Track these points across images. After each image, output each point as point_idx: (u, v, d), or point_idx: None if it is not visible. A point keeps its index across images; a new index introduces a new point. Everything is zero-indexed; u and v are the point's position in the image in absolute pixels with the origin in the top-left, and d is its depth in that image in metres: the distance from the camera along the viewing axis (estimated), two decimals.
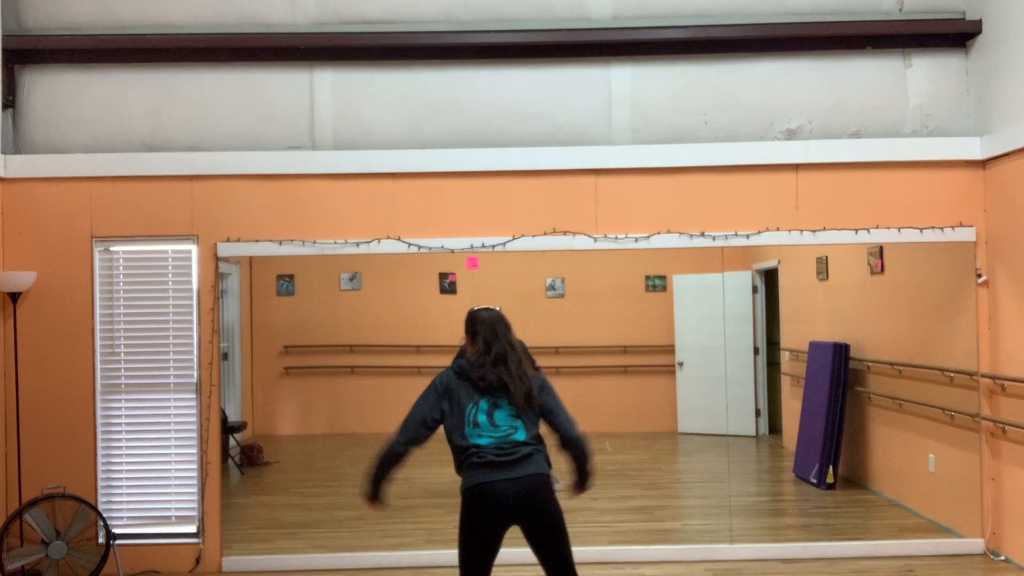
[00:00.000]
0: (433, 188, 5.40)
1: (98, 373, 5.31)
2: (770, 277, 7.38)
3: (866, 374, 6.46)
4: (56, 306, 5.27)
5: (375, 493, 3.49)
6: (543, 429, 3.50)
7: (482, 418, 3.37)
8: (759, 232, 5.40)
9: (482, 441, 3.33)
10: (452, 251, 5.35)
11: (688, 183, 5.42)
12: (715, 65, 5.52)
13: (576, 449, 3.47)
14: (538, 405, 3.42)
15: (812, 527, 5.96)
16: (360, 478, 3.54)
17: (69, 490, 5.16)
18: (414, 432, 3.42)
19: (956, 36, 5.48)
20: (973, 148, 5.36)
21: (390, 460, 3.45)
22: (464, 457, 3.35)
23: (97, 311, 5.31)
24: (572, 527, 5.33)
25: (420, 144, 5.46)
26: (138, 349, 5.34)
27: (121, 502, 5.33)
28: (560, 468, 3.54)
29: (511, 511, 3.28)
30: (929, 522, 5.77)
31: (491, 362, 3.40)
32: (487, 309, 3.58)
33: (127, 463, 5.34)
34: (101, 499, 5.29)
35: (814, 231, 5.39)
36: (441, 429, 3.46)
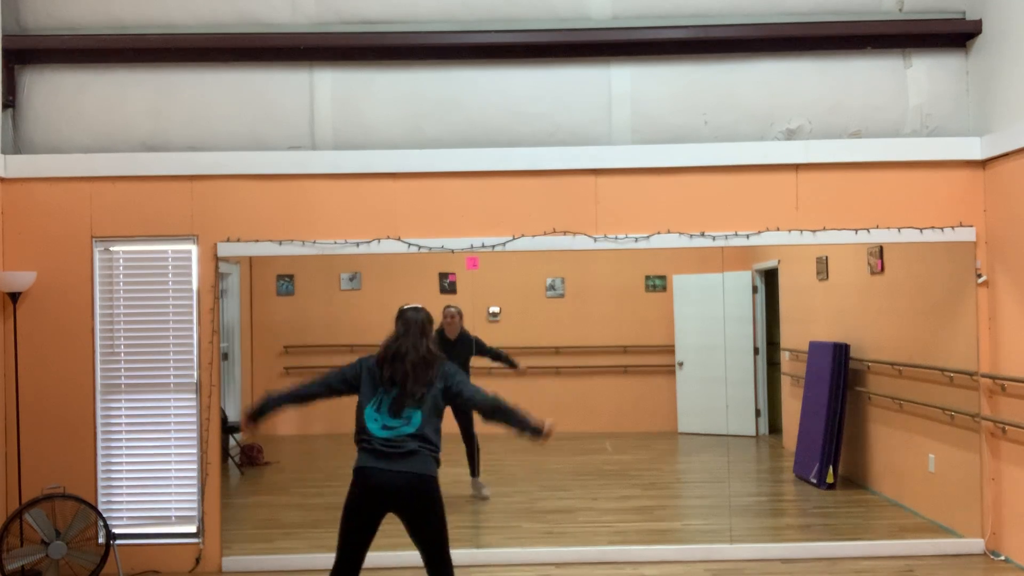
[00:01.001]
0: (433, 188, 5.40)
1: (98, 373, 5.31)
2: (770, 277, 7.38)
3: (866, 374, 6.46)
4: (56, 306, 5.27)
5: (259, 416, 3.75)
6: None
7: (383, 408, 3.60)
8: (759, 232, 5.40)
9: (372, 429, 3.57)
10: (452, 251, 5.35)
11: (688, 183, 5.42)
12: (715, 65, 5.52)
13: (499, 414, 3.67)
14: (432, 403, 3.61)
15: (812, 527, 5.95)
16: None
17: (69, 490, 5.16)
18: (317, 386, 3.75)
19: (956, 36, 5.48)
20: (973, 148, 5.36)
21: (293, 398, 3.75)
22: (358, 438, 3.62)
23: (97, 311, 5.31)
24: (572, 527, 5.36)
25: (420, 144, 5.46)
26: (138, 349, 5.34)
27: (121, 502, 5.33)
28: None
29: (388, 500, 3.52)
30: (929, 522, 5.77)
31: (391, 357, 3.64)
32: (414, 309, 3.81)
33: (127, 463, 5.34)
34: (101, 499, 5.29)
35: (814, 231, 5.39)
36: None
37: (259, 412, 3.76)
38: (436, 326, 4.05)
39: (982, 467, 5.34)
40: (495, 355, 5.94)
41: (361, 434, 3.61)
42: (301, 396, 3.78)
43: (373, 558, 5.27)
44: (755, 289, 7.30)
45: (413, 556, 5.27)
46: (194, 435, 5.31)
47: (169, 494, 5.34)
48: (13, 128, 5.43)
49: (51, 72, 5.44)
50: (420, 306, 3.83)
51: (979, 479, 5.34)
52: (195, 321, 5.30)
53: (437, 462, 3.65)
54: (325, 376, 3.76)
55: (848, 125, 5.52)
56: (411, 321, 3.74)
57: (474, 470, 5.95)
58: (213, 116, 5.45)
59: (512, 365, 5.97)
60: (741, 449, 7.37)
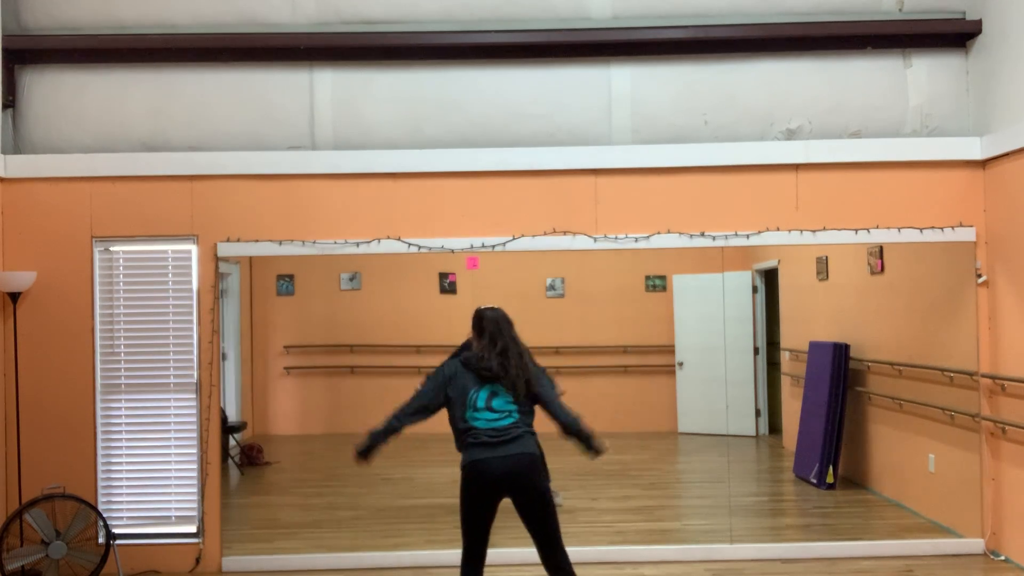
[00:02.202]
0: (433, 188, 5.40)
1: (98, 373, 5.31)
2: (770, 277, 7.38)
3: (866, 374, 6.47)
4: (56, 306, 5.27)
5: (368, 453, 3.90)
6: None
7: (481, 403, 3.79)
8: (759, 232, 5.40)
9: (479, 424, 3.76)
10: (452, 251, 5.35)
11: (688, 183, 5.42)
12: (715, 65, 5.52)
13: (576, 432, 3.89)
14: (533, 394, 3.84)
15: (812, 527, 5.96)
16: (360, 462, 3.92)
17: (69, 490, 5.16)
18: (414, 413, 3.87)
19: (956, 36, 5.48)
20: (973, 148, 5.36)
21: (389, 432, 3.87)
22: (463, 437, 3.80)
23: (97, 311, 5.31)
24: (572, 527, 5.35)
25: (420, 144, 5.46)
26: (138, 349, 5.34)
27: (121, 502, 5.33)
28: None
29: (502, 484, 3.72)
30: (929, 522, 5.77)
31: (496, 354, 3.82)
32: (492, 308, 4.01)
33: (127, 463, 5.34)
34: (101, 499, 5.29)
35: (814, 231, 5.39)
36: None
37: (368, 450, 3.90)
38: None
39: (982, 467, 5.34)
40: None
41: (465, 434, 3.78)
42: (400, 426, 3.89)
43: (378, 558, 5.30)
44: (755, 289, 7.31)
45: (423, 556, 5.29)
46: (194, 435, 5.31)
47: (169, 494, 5.34)
48: (13, 128, 5.43)
49: (51, 72, 5.44)
50: (496, 306, 4.03)
51: (979, 479, 5.34)
52: (195, 321, 5.30)
53: (539, 445, 3.86)
54: (405, 411, 3.88)
55: (848, 125, 5.52)
56: (499, 320, 3.93)
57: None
58: (213, 116, 5.45)
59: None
60: (741, 449, 7.37)
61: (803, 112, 5.51)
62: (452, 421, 3.86)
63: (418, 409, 3.86)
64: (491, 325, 3.90)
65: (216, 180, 5.35)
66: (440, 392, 3.86)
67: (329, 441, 7.38)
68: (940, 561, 5.21)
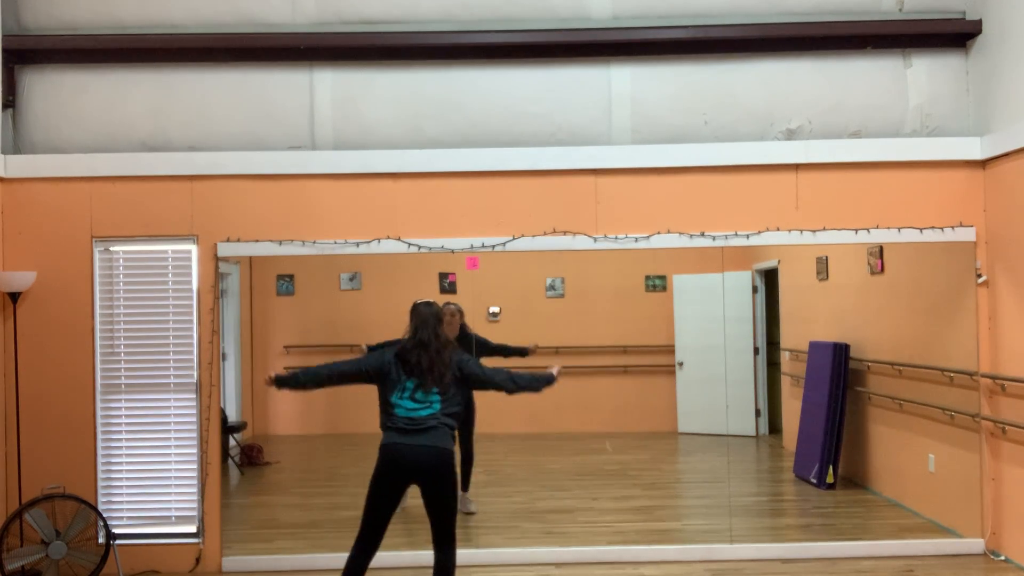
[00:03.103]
0: (433, 188, 5.40)
1: (98, 373, 5.31)
2: (770, 277, 7.38)
3: (866, 374, 6.46)
4: (56, 306, 5.27)
5: (282, 384, 4.21)
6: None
7: (406, 393, 4.04)
8: (759, 232, 5.40)
9: (399, 412, 4.02)
10: (452, 251, 5.35)
11: (688, 183, 5.42)
12: (715, 65, 5.52)
13: (518, 385, 4.18)
14: (461, 384, 4.09)
15: (812, 527, 5.95)
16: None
17: (69, 490, 5.16)
18: (351, 370, 4.17)
19: (956, 36, 5.48)
20: (973, 148, 5.36)
21: (321, 378, 4.21)
22: (384, 421, 4.07)
23: (97, 311, 5.31)
24: (572, 527, 5.38)
25: (420, 144, 5.46)
26: (138, 349, 5.34)
27: (121, 502, 5.33)
28: None
29: (410, 470, 3.97)
30: (929, 522, 5.77)
31: (414, 347, 4.07)
32: (427, 303, 4.23)
33: (127, 463, 5.34)
34: (101, 499, 5.29)
35: (814, 231, 5.39)
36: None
37: (284, 381, 4.21)
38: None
39: (982, 467, 5.34)
40: (503, 351, 5.85)
41: (386, 418, 4.05)
42: (325, 377, 4.20)
43: (378, 558, 5.28)
44: (755, 289, 7.30)
45: (412, 557, 5.29)
46: (194, 435, 5.31)
47: (169, 494, 5.34)
48: (13, 128, 5.43)
49: (51, 72, 5.44)
50: (431, 300, 4.24)
51: (979, 479, 5.34)
52: (195, 321, 5.30)
53: (453, 439, 4.07)
54: (342, 364, 4.18)
55: (848, 125, 5.52)
56: (426, 314, 4.15)
57: (465, 484, 5.91)
58: (213, 116, 5.45)
59: (523, 353, 5.88)
60: (741, 449, 7.37)
61: (803, 112, 5.51)
62: (380, 404, 4.12)
63: (357, 370, 4.14)
64: (417, 319, 4.15)
65: (216, 180, 5.35)
66: (366, 373, 4.12)
67: (329, 441, 7.38)
68: (940, 561, 5.21)
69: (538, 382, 4.23)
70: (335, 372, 4.18)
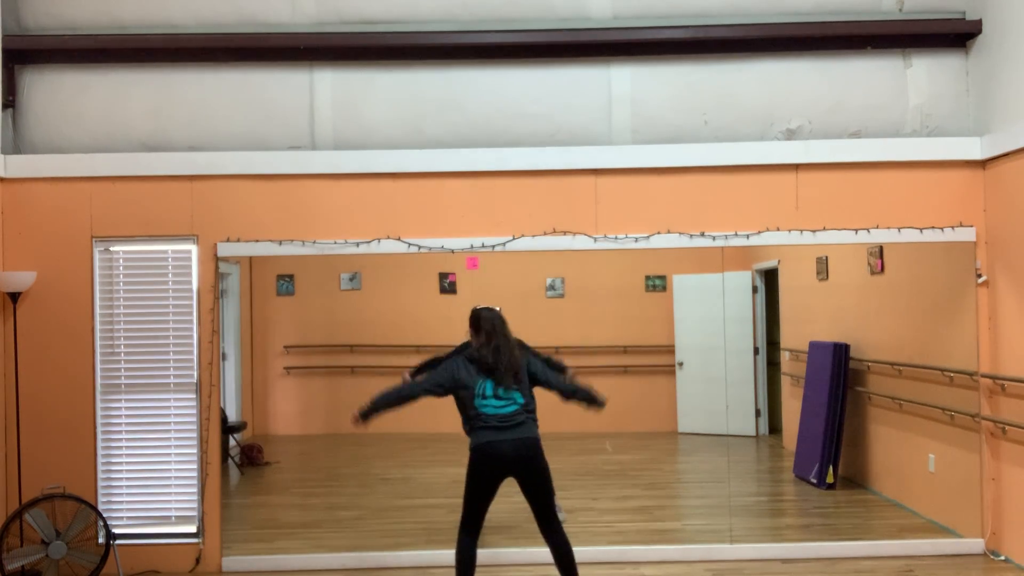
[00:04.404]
0: (433, 188, 5.40)
1: (98, 373, 5.31)
2: (770, 277, 7.38)
3: (866, 374, 6.47)
4: (56, 306, 5.27)
5: (370, 416, 4.28)
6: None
7: (489, 393, 4.25)
8: (759, 232, 5.40)
9: (488, 411, 4.22)
10: (452, 251, 5.35)
11: (688, 183, 5.42)
12: (715, 65, 5.52)
13: (576, 394, 4.48)
14: (528, 380, 4.33)
15: (812, 527, 5.96)
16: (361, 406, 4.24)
17: (69, 490, 5.16)
18: (430, 388, 4.32)
19: (956, 36, 5.48)
20: (973, 148, 5.36)
21: (404, 398, 4.31)
22: (474, 422, 4.25)
23: (97, 311, 5.31)
24: (572, 527, 5.37)
25: (420, 144, 5.46)
26: (138, 349, 5.34)
27: (121, 502, 5.33)
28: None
29: (508, 464, 4.19)
30: (929, 522, 5.77)
31: (492, 350, 4.27)
32: (488, 309, 4.42)
33: (127, 463, 5.34)
34: (101, 499, 5.29)
35: (814, 231, 5.39)
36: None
37: (370, 412, 4.28)
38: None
39: (982, 467, 5.34)
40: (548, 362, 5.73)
41: (476, 419, 4.24)
42: (403, 398, 4.33)
43: (378, 558, 5.30)
44: (755, 289, 7.31)
45: (423, 556, 5.29)
46: (194, 435, 5.31)
47: (169, 494, 5.34)
48: (13, 128, 5.43)
49: (51, 72, 5.44)
50: (490, 306, 4.46)
51: (979, 479, 5.34)
52: (195, 321, 5.30)
53: (538, 428, 4.34)
54: (420, 383, 4.37)
55: (848, 125, 5.52)
56: (492, 319, 4.37)
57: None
58: (213, 116, 5.45)
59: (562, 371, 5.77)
60: (741, 449, 7.37)
61: (803, 112, 5.51)
62: (462, 408, 4.31)
63: (434, 386, 4.31)
64: (487, 324, 4.34)
65: (216, 180, 5.35)
66: (451, 380, 4.29)
67: (329, 441, 7.39)
68: (940, 561, 5.21)
69: (589, 396, 4.48)
70: (411, 394, 4.35)
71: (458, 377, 4.28)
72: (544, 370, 4.44)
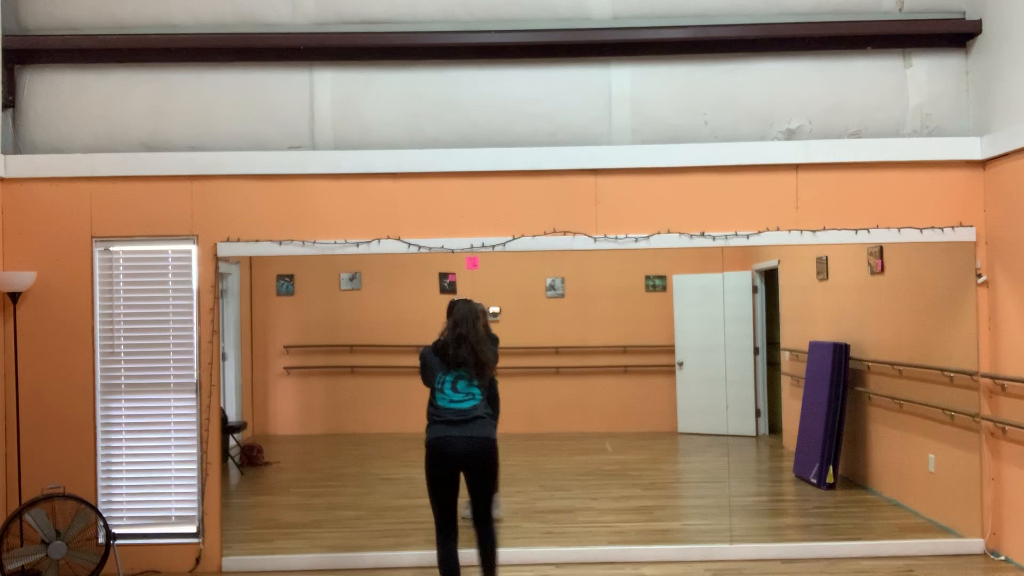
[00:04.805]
0: (433, 188, 5.40)
1: (98, 373, 5.31)
2: (770, 277, 7.38)
3: (866, 374, 6.46)
4: (56, 306, 5.27)
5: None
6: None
7: (448, 386, 4.24)
8: (759, 232, 5.41)
9: (443, 403, 4.21)
10: (452, 251, 5.35)
11: (688, 183, 5.42)
12: (715, 65, 5.52)
13: (493, 412, 4.49)
14: (488, 379, 4.30)
15: (812, 527, 5.96)
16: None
17: (69, 490, 5.16)
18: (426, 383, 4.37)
19: (956, 36, 5.48)
20: (973, 148, 5.36)
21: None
22: (429, 416, 4.25)
23: (97, 311, 5.31)
24: (572, 527, 5.39)
25: (420, 144, 5.46)
26: (138, 349, 5.34)
27: (121, 502, 5.33)
28: None
29: (459, 460, 4.15)
30: (929, 522, 5.77)
31: (454, 338, 4.25)
32: (465, 301, 4.42)
33: (127, 463, 5.34)
34: (101, 499, 5.29)
35: (814, 231, 5.40)
36: None
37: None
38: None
39: (982, 467, 5.34)
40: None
41: (431, 412, 4.25)
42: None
43: (378, 558, 5.30)
44: (755, 289, 7.31)
45: (423, 556, 5.29)
46: (194, 435, 5.31)
47: (169, 494, 5.34)
48: (13, 128, 5.43)
49: (51, 72, 5.44)
50: (469, 299, 4.45)
51: (979, 479, 5.34)
52: (195, 321, 5.30)
53: (496, 428, 4.31)
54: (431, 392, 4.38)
55: (848, 125, 5.52)
56: (465, 310, 4.34)
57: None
58: (213, 116, 5.45)
59: None
60: (741, 449, 7.37)
61: (803, 112, 5.51)
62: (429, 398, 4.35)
63: (425, 382, 4.37)
64: (457, 314, 4.34)
65: (216, 180, 5.35)
66: (425, 370, 4.35)
67: (329, 441, 7.38)
68: (940, 561, 5.21)
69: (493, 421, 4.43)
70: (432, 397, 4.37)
71: (428, 364, 4.31)
72: (493, 378, 4.51)
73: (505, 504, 6.24)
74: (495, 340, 5.44)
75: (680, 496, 6.90)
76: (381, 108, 5.48)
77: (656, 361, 7.34)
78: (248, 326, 7.15)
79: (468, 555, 5.30)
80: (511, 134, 5.48)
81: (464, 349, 4.23)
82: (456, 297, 4.48)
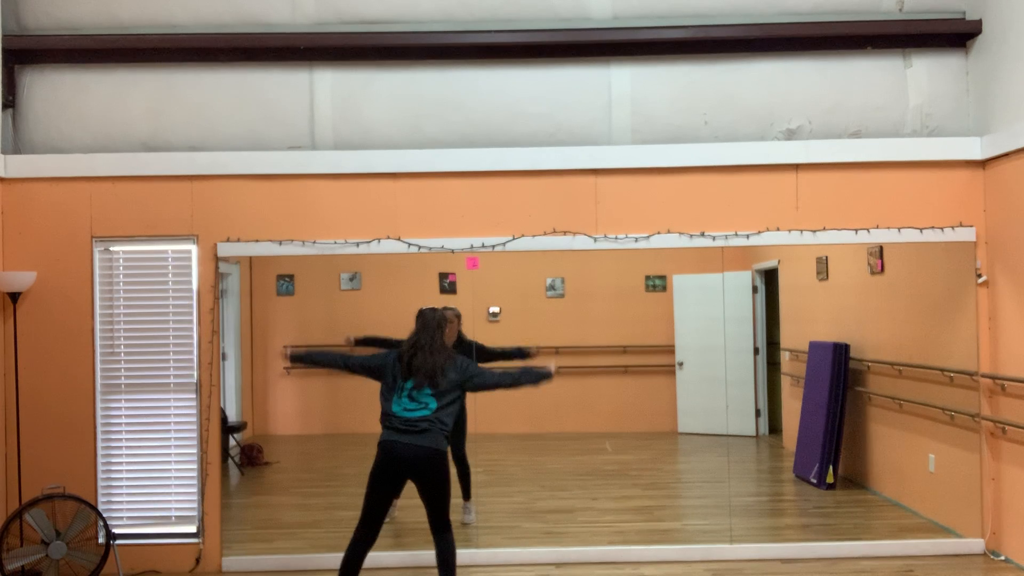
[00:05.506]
0: (433, 188, 5.40)
1: (98, 373, 5.31)
2: (770, 277, 7.38)
3: (866, 374, 6.46)
4: (56, 306, 5.28)
5: (297, 362, 4.46)
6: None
7: (404, 393, 4.27)
8: (759, 232, 5.41)
9: (396, 410, 4.24)
10: (452, 251, 5.35)
11: (688, 183, 5.42)
12: (715, 65, 5.52)
13: (517, 383, 4.38)
14: (447, 388, 4.25)
15: (812, 527, 5.95)
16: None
17: (69, 490, 5.16)
18: (360, 366, 4.40)
19: (956, 36, 5.48)
20: (973, 148, 5.36)
21: (332, 364, 4.43)
22: (384, 418, 4.30)
23: (97, 311, 5.31)
24: (572, 527, 5.38)
25: (420, 144, 5.46)
26: (138, 349, 5.34)
27: (121, 502, 5.33)
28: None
29: (404, 468, 4.20)
30: (929, 522, 5.77)
31: (410, 345, 4.32)
32: (432, 309, 4.47)
33: (127, 463, 5.34)
34: (101, 499, 5.29)
35: (814, 231, 5.40)
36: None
37: (296, 358, 4.46)
38: None
39: (982, 467, 5.34)
40: (504, 355, 5.80)
41: (386, 416, 4.27)
42: (336, 366, 4.44)
43: (378, 558, 5.29)
44: (755, 289, 7.30)
45: (423, 556, 5.30)
46: (194, 435, 5.31)
47: (169, 494, 5.34)
48: (13, 128, 5.43)
49: (51, 72, 5.44)
50: (437, 308, 4.48)
51: (979, 479, 5.34)
52: (195, 321, 5.30)
53: (447, 440, 4.27)
54: (355, 359, 4.42)
55: (848, 125, 5.52)
56: (429, 319, 4.40)
57: (466, 493, 5.88)
58: (213, 116, 5.45)
59: (523, 355, 5.83)
60: (741, 449, 7.37)
61: (803, 112, 5.51)
62: (382, 400, 4.34)
63: (363, 368, 4.39)
64: (420, 323, 4.41)
65: (216, 180, 5.35)
66: (379, 368, 4.35)
67: (329, 441, 7.37)
68: (940, 561, 5.21)
69: (533, 376, 4.39)
70: (348, 364, 4.43)
71: (385, 367, 4.32)
72: (480, 371, 4.36)
73: (505, 504, 6.25)
74: (471, 346, 5.44)
75: (680, 496, 6.90)
76: (381, 108, 5.48)
77: (656, 361, 7.34)
78: (248, 326, 7.14)
79: (482, 555, 5.31)
80: (511, 134, 5.48)
81: (419, 358, 4.27)
82: (424, 307, 4.52)
